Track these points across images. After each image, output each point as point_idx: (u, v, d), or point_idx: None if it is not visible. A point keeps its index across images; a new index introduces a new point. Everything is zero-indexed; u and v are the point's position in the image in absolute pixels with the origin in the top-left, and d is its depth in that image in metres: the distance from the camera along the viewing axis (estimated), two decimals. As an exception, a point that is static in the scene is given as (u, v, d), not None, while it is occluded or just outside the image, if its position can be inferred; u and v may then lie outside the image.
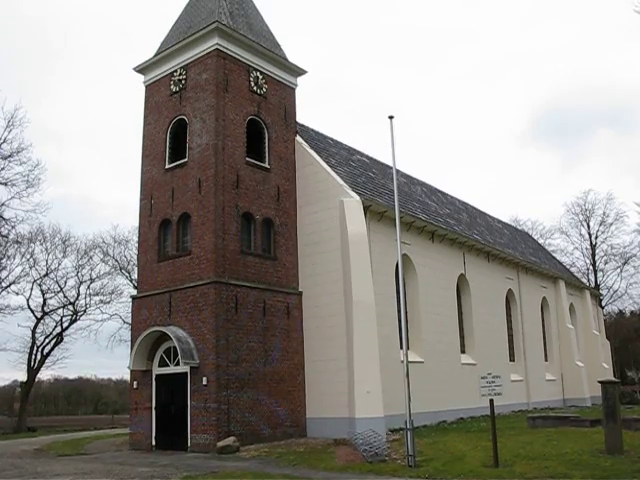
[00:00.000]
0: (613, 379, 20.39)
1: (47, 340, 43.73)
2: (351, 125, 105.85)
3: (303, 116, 25.77)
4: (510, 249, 36.01)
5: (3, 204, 32.98)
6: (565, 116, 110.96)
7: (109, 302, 44.95)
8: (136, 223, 23.49)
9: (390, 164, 19.00)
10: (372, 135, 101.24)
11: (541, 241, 55.47)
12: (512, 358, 32.99)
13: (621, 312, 67.06)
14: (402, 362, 16.06)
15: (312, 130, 26.73)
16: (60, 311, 43.84)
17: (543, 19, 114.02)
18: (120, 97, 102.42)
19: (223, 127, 20.97)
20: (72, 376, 76.90)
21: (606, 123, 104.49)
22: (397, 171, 18.37)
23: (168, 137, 22.44)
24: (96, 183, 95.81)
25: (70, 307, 43.80)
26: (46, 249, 42.99)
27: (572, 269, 53.15)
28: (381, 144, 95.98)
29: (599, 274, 57.80)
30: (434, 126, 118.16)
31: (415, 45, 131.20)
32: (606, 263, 57.84)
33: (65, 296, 43.60)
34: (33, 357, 42.81)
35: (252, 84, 22.49)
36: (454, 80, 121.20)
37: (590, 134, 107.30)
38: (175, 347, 19.59)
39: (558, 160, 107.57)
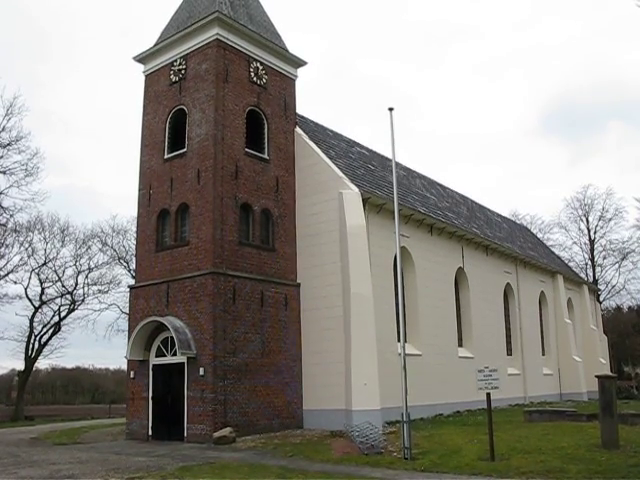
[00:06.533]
0: (610, 374, 20.39)
1: (45, 329, 43.85)
2: (353, 118, 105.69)
3: (303, 108, 25.67)
4: (509, 243, 36.00)
5: (2, 193, 33.02)
6: (576, 111, 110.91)
7: (107, 292, 45.08)
8: (135, 213, 23.46)
9: (390, 156, 18.96)
10: (375, 128, 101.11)
11: (540, 236, 55.46)
12: (509, 352, 33.04)
13: (619, 307, 67.18)
14: (399, 355, 16.04)
15: (312, 122, 26.64)
16: (58, 300, 43.93)
17: (551, 14, 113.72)
18: (127, 87, 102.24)
19: (222, 117, 20.89)
20: (70, 365, 77.04)
21: (617, 118, 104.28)
22: (397, 164, 18.30)
23: (167, 127, 22.35)
24: (100, 174, 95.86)
25: (68, 296, 43.87)
26: (44, 238, 43.02)
27: (570, 264, 53.14)
28: (384, 137, 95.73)
29: (597, 269, 57.83)
30: (441, 120, 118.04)
31: (422, 39, 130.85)
32: (604, 258, 57.89)
33: (63, 285, 43.69)
34: (31, 346, 42.89)
35: (252, 75, 22.39)
36: (461, 75, 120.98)
37: (601, 129, 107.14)
38: (172, 337, 19.60)
39: (567, 155, 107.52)
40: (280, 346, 21.21)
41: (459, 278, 29.02)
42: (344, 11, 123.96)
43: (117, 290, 45.20)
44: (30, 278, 42.36)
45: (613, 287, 57.69)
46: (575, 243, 58.84)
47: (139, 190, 22.78)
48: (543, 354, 36.77)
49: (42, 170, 36.36)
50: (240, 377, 19.59)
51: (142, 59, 23.69)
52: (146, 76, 23.61)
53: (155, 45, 23.30)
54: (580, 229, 58.63)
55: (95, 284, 44.69)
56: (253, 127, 22.26)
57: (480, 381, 14.35)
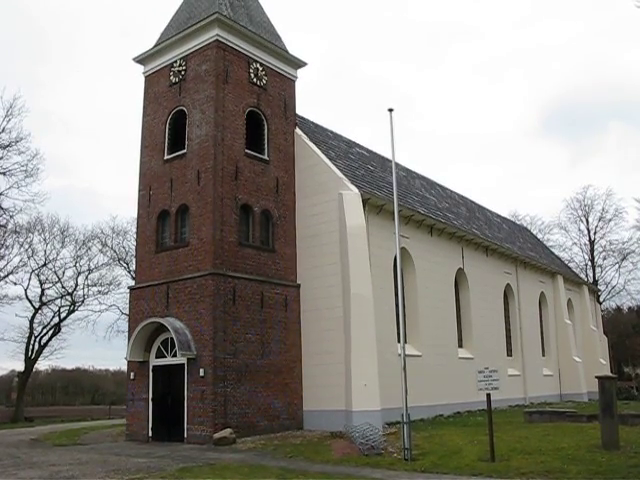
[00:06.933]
0: (610, 375, 20.42)
1: (45, 330, 43.82)
2: (353, 119, 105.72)
3: (303, 108, 25.67)
4: (509, 244, 35.99)
5: (1, 194, 33.07)
6: (576, 111, 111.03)
7: (107, 293, 45.03)
8: (135, 214, 23.46)
9: (390, 157, 18.96)
10: (375, 128, 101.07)
11: (540, 236, 55.45)
12: (509, 353, 33.03)
13: (619, 308, 67.19)
14: (399, 356, 16.05)
15: (312, 122, 26.64)
16: (58, 301, 43.88)
17: (551, 14, 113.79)
18: (127, 87, 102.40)
19: (222, 118, 20.89)
20: (70, 366, 77.13)
21: (618, 118, 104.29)
22: (396, 164, 18.30)
23: (167, 128, 22.35)
24: (100, 175, 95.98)
25: (68, 297, 43.80)
26: (44, 239, 42.98)
27: (570, 264, 53.12)
28: (384, 138, 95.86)
29: (597, 270, 57.77)
30: (441, 121, 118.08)
31: (421, 40, 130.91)
32: (604, 259, 57.84)
33: (63, 286, 43.63)
34: (31, 347, 42.84)
35: (252, 76, 22.39)
36: (461, 75, 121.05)
37: (601, 130, 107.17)
38: (172, 338, 19.59)
39: (567, 155, 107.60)
40: (280, 347, 21.20)
41: (459, 279, 29.02)
42: (344, 12, 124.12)
43: (117, 291, 45.24)
44: (30, 279, 42.39)
45: (613, 288, 57.74)
46: (575, 244, 58.88)
47: (139, 191, 22.78)
48: (543, 355, 36.77)
49: (42, 171, 36.55)
50: (240, 378, 19.58)
51: (142, 60, 23.69)
52: (146, 77, 23.61)
53: (155, 46, 23.30)
54: (580, 230, 58.66)
55: (95, 285, 44.71)
56: (253, 128, 22.26)
57: (480, 382, 14.35)
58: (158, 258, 21.44)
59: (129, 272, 43.97)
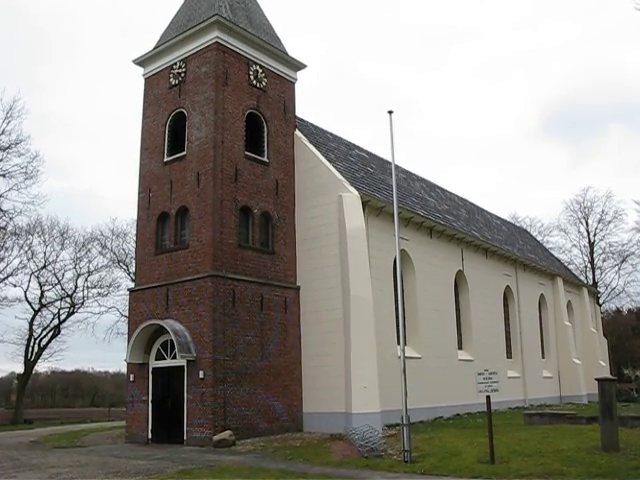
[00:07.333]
0: (610, 377, 20.40)
1: (44, 332, 43.82)
2: (353, 121, 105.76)
3: (303, 110, 25.68)
4: (508, 246, 35.99)
5: (1, 196, 33.07)
6: (576, 113, 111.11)
7: (107, 295, 45.06)
8: (134, 216, 23.48)
9: (389, 159, 18.96)
10: (375, 130, 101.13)
11: (539, 238, 55.41)
12: (509, 355, 33.02)
13: (618, 310, 67.21)
14: (399, 358, 16.03)
15: (311, 124, 26.65)
16: (58, 303, 43.90)
17: (551, 16, 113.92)
18: (126, 88, 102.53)
19: (222, 120, 20.90)
20: (69, 368, 77.16)
21: (618, 120, 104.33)
22: (396, 167, 18.30)
23: (167, 130, 22.36)
24: (100, 176, 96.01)
25: (68, 299, 43.82)
26: (44, 241, 43.02)
27: (570, 266, 53.10)
28: (384, 139, 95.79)
29: (597, 272, 57.72)
30: (441, 123, 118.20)
31: (421, 42, 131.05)
32: (604, 261, 57.79)
33: (63, 288, 43.65)
34: (30, 349, 42.85)
35: (252, 78, 22.41)
36: (462, 77, 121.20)
37: (601, 132, 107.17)
38: (172, 340, 19.58)
39: (567, 157, 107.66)
40: (280, 349, 21.19)
41: (459, 281, 29.02)
42: (344, 14, 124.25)
43: (117, 293, 45.24)
44: (30, 281, 42.41)
45: (613, 290, 57.68)
46: (575, 246, 58.82)
47: (139, 193, 22.78)
48: (543, 357, 36.75)
49: (42, 173, 36.49)
50: (240, 380, 19.58)
51: (142, 62, 23.70)
52: (146, 79, 23.62)
53: (155, 48, 23.32)
54: (580, 232, 58.60)
55: (95, 287, 44.73)
56: (253, 130, 22.27)
57: (480, 384, 14.33)
58: (158, 260, 21.44)
59: (129, 274, 43.97)
